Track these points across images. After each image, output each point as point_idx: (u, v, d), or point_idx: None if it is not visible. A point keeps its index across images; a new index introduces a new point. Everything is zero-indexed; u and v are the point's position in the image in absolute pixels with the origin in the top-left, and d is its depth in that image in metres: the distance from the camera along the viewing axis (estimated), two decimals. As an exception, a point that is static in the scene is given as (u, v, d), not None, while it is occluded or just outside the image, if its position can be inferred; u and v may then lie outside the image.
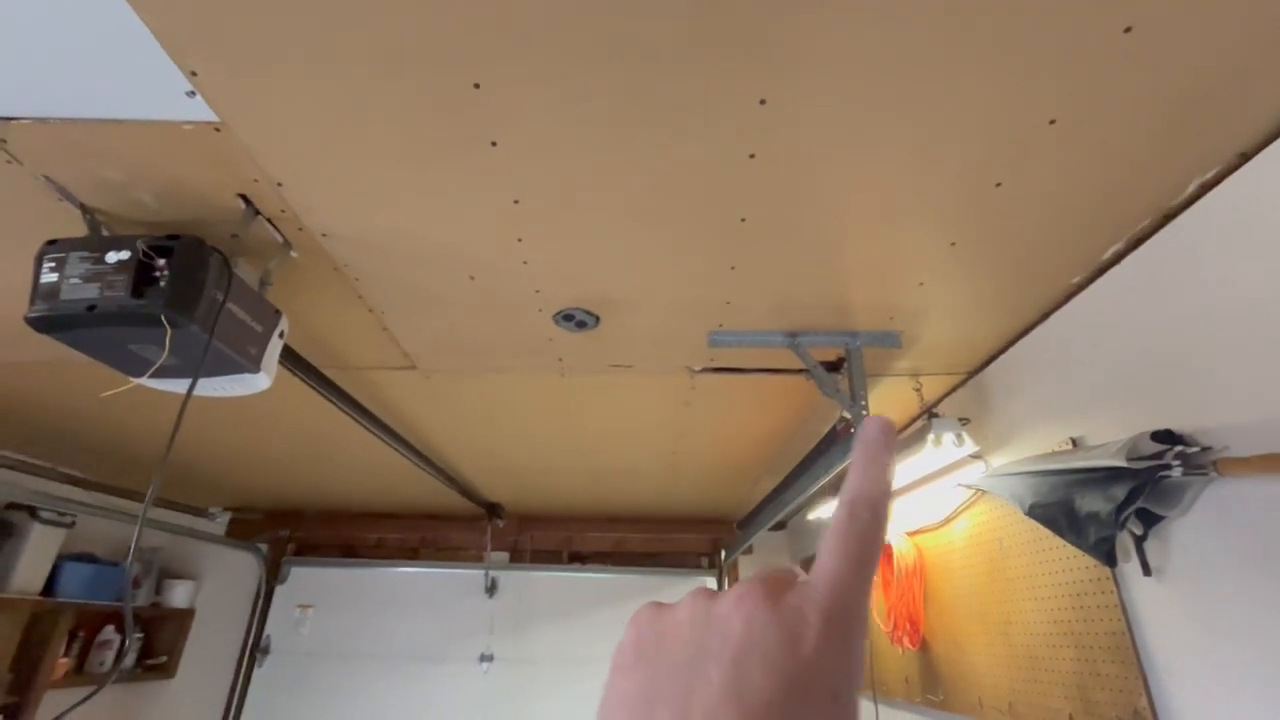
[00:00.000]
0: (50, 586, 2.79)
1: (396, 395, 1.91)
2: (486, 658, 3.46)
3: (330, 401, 1.69)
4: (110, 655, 3.20)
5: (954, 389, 1.80)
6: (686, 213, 1.08)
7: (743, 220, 1.10)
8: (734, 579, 3.68)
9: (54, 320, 0.95)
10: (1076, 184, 1.01)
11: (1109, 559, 1.04)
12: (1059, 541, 1.31)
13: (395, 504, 3.58)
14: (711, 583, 3.63)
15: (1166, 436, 1.01)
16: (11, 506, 2.69)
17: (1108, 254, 1.19)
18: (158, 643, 3.47)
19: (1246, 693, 0.93)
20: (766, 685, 0.21)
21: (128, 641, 1.15)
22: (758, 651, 0.22)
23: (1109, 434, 1.17)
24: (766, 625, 0.22)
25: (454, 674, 3.42)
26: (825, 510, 2.49)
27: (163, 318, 0.94)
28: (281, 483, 3.16)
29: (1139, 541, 1.07)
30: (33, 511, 2.69)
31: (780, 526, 3.78)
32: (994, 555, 1.57)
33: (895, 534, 2.06)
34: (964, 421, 1.57)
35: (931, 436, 1.54)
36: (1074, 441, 1.28)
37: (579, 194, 1.04)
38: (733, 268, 1.24)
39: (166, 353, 0.98)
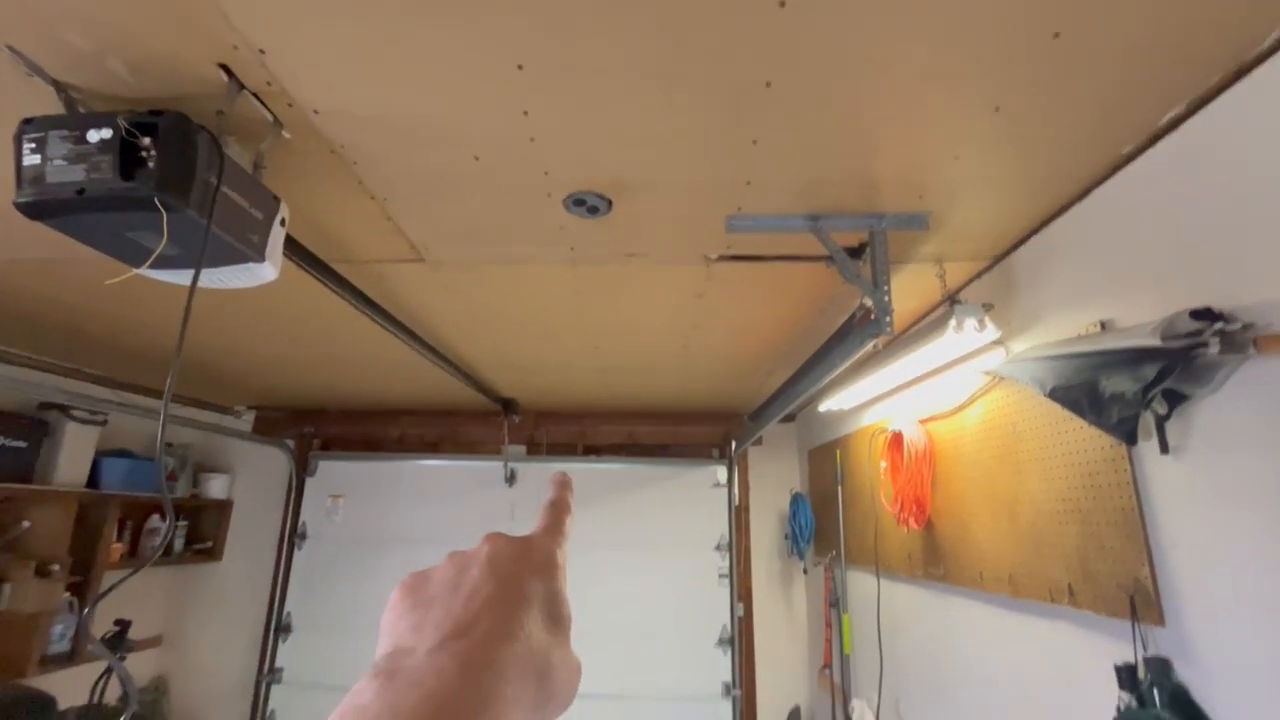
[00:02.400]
0: (94, 480, 2.94)
1: (406, 290, 1.88)
2: (509, 541, 3.67)
3: (340, 296, 1.66)
4: (157, 539, 3.43)
5: (978, 275, 1.74)
6: (706, 76, 0.99)
7: (768, 85, 1.00)
8: (744, 470, 3.81)
9: (44, 205, 0.91)
10: (1146, 31, 0.90)
11: (1130, 437, 1.04)
12: (1075, 424, 1.31)
13: (414, 401, 3.66)
14: (721, 473, 3.77)
15: (1206, 314, 0.97)
16: (45, 406, 2.79)
17: (1164, 119, 1.09)
18: (202, 529, 3.71)
19: (1250, 565, 0.96)
20: (513, 567, 0.30)
21: (170, 523, 1.21)
22: (502, 555, 0.31)
23: (1140, 316, 1.13)
24: (507, 543, 0.32)
25: (480, 555, 3.66)
26: (836, 402, 2.51)
27: (156, 200, 0.89)
28: (302, 382, 3.22)
29: (1161, 421, 1.06)
30: (65, 410, 2.78)
31: (790, 419, 3.86)
32: (1007, 439, 1.58)
33: (908, 421, 2.09)
34: (988, 307, 1.53)
35: (953, 322, 1.50)
36: (1102, 325, 1.24)
37: (588, 55, 0.95)
38: (755, 142, 1.15)
39: (165, 240, 0.95)
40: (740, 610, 3.56)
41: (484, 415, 3.74)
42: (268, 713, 3.47)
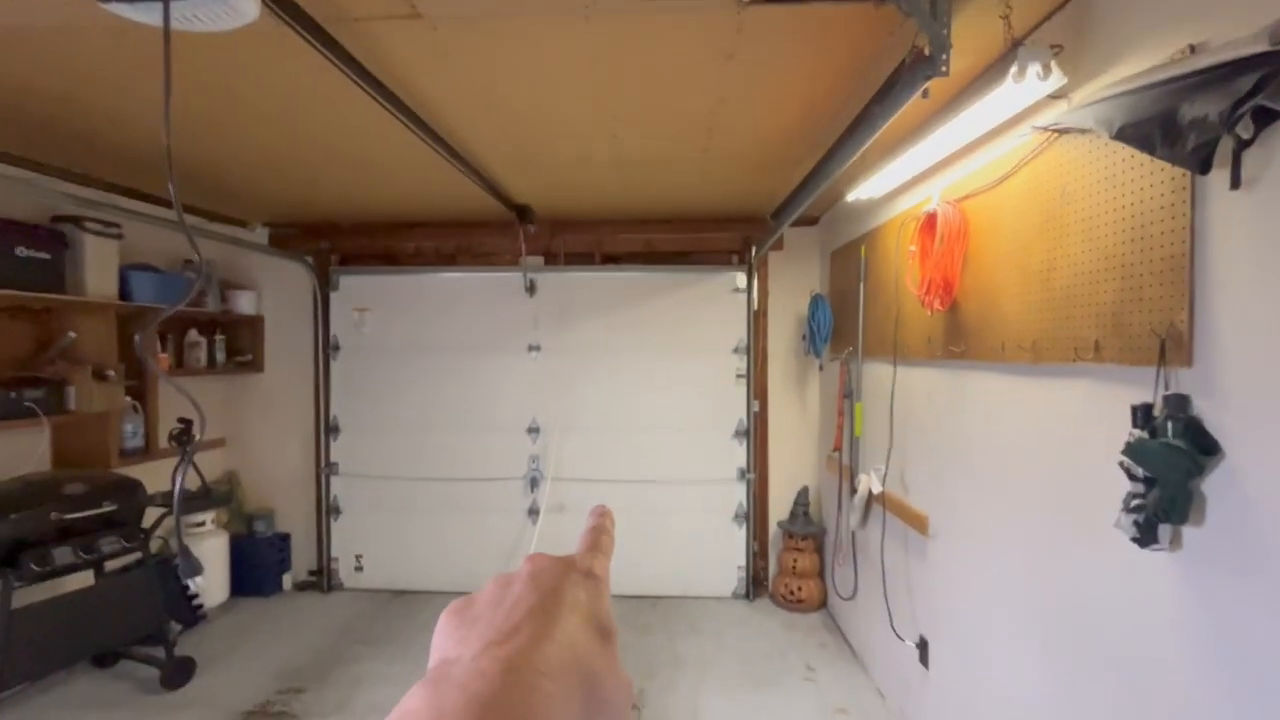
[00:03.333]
0: (125, 294, 2.99)
1: (404, 58, 1.71)
2: (534, 348, 3.81)
3: (332, 62, 1.52)
4: (202, 354, 3.60)
5: (1048, 17, 1.53)
6: None
7: None
8: (763, 275, 3.78)
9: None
10: None
11: (1204, 166, 0.96)
12: (1131, 175, 1.23)
13: (427, 212, 3.57)
14: (741, 279, 3.75)
15: (1329, 8, 0.83)
16: (58, 219, 2.75)
17: None
18: (240, 344, 3.87)
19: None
20: (555, 579, 0.31)
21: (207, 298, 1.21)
22: (543, 570, 0.31)
23: (1240, 32, 0.99)
24: (550, 560, 0.32)
25: (507, 362, 3.82)
26: (866, 189, 2.38)
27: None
28: (311, 191, 3.12)
29: (1240, 149, 0.97)
30: (78, 222, 2.75)
31: (813, 222, 3.73)
32: (1052, 204, 1.50)
33: (941, 203, 1.99)
34: (1056, 50, 1.36)
35: (1014, 69, 1.35)
36: (1192, 49, 1.09)
37: None
38: None
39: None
40: (756, 406, 3.77)
41: (499, 226, 3.66)
42: (331, 498, 3.90)
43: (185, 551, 2.02)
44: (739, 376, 3.77)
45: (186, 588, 3.29)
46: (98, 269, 2.83)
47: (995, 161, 1.75)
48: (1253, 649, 1.01)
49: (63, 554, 2.39)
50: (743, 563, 3.79)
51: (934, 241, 1.98)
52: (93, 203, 2.66)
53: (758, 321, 3.77)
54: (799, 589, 3.55)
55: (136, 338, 1.99)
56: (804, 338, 3.60)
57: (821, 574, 3.62)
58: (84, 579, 2.72)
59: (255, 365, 3.90)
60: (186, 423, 2.99)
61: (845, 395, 3.07)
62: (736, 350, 3.77)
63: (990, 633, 1.83)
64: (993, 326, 1.76)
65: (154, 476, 2.93)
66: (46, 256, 2.62)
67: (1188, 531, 1.12)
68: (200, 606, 3.36)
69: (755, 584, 3.78)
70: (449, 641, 0.28)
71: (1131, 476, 1.16)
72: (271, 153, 2.53)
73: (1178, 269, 1.13)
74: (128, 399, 3.06)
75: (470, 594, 0.31)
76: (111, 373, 2.85)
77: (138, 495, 2.72)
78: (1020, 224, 1.63)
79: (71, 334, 2.82)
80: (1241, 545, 1.03)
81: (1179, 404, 1.11)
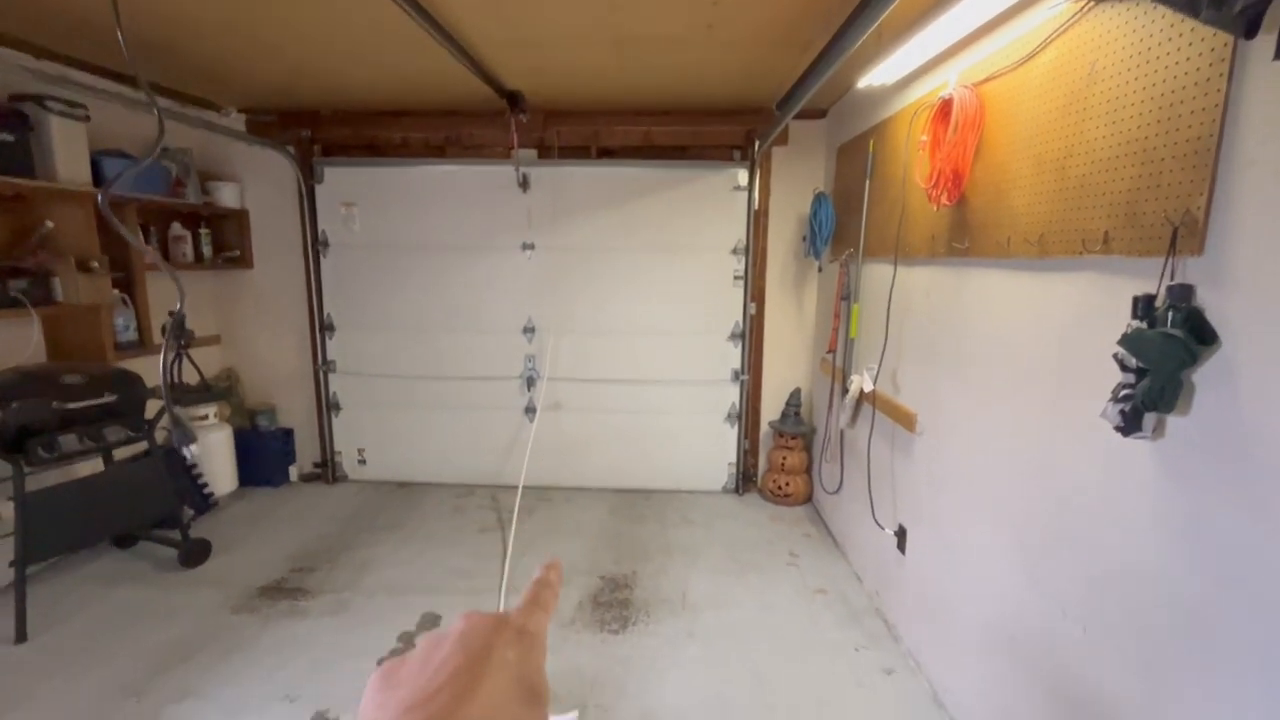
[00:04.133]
0: (99, 182, 2.86)
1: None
2: (528, 246, 3.72)
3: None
4: (188, 248, 3.51)
5: None
6: None
7: None
8: (765, 172, 3.63)
9: None
10: None
11: (1250, 28, 0.88)
12: (1166, 49, 1.14)
13: (414, 99, 3.36)
14: (742, 176, 3.61)
15: None
16: (16, 98, 2.58)
17: None
18: (226, 238, 3.77)
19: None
20: (484, 637, 0.30)
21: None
22: (474, 629, 0.31)
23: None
24: (481, 617, 0.32)
25: (500, 261, 3.74)
26: (880, 73, 2.23)
27: None
28: (285, 73, 2.91)
29: (1292, 10, 0.89)
30: (39, 101, 2.58)
31: (820, 115, 3.54)
32: (1077, 85, 1.40)
33: (957, 87, 1.87)
34: (1102, -100, 1.21)
35: (1053, -78, 1.21)
36: (1257, -106, 0.97)
37: None
38: None
39: None
40: (753, 309, 3.74)
41: (490, 116, 3.46)
42: (330, 394, 3.96)
43: (177, 420, 2.07)
44: (736, 278, 3.72)
45: (198, 476, 3.41)
46: (67, 153, 2.69)
47: (1020, 39, 1.63)
48: (1223, 533, 1.06)
49: (69, 441, 2.44)
50: (734, 460, 3.91)
51: (947, 130, 1.88)
52: (52, 78, 2.48)
53: (758, 221, 3.66)
54: (787, 484, 3.70)
55: (99, 196, 1.91)
56: (804, 239, 3.52)
57: (809, 471, 3.76)
58: (94, 467, 2.81)
59: (244, 261, 3.82)
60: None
61: (843, 297, 3.04)
62: (735, 251, 3.70)
63: (966, 521, 1.92)
64: (999, 221, 1.71)
65: (152, 372, 2.94)
66: (10, 138, 2.48)
67: (1172, 420, 1.14)
68: (211, 494, 3.49)
69: (745, 480, 3.93)
70: (370, 706, 0.28)
71: (1124, 367, 1.16)
72: (236, 25, 2.33)
73: (1203, 151, 1.07)
74: (116, 292, 3.01)
75: (400, 656, 0.31)
76: (95, 264, 2.79)
77: (137, 388, 2.74)
78: (1040, 108, 1.54)
79: (49, 223, 2.72)
80: (1224, 434, 1.05)
81: (1182, 294, 1.09)
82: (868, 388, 2.47)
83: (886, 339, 2.45)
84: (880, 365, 2.50)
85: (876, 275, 2.70)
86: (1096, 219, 1.33)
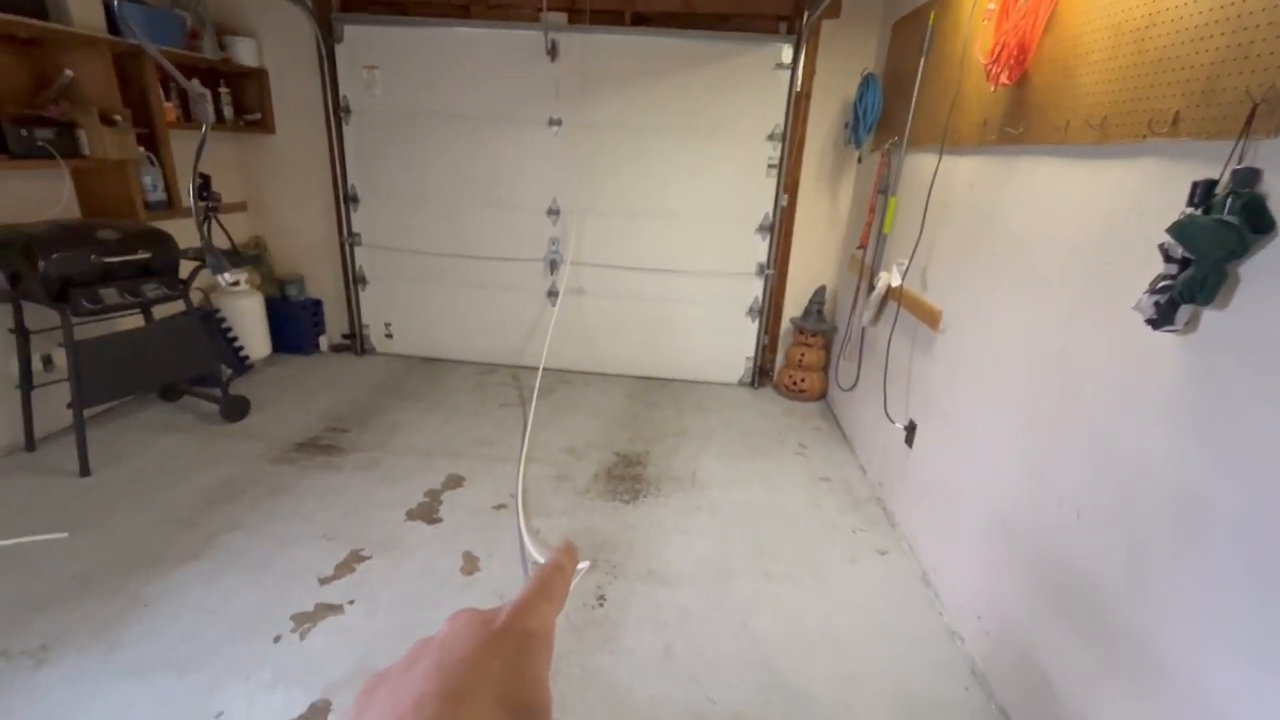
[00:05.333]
0: (115, 30, 2.76)
1: None
2: (555, 121, 3.57)
3: None
4: (208, 108, 3.43)
5: None
6: None
7: None
8: (812, 49, 3.36)
9: None
10: None
11: None
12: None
13: (432, -54, 3.10)
14: (787, 52, 3.35)
15: None
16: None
17: None
18: (247, 100, 3.66)
19: None
20: (466, 646, 0.27)
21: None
22: (458, 635, 0.27)
23: None
24: (469, 619, 0.29)
25: (526, 136, 3.61)
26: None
27: None
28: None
29: None
30: (43, -68, 2.44)
31: (879, -17, 3.21)
32: (1176, -61, 1.24)
33: (1040, -54, 1.67)
34: None
35: None
36: None
37: None
38: None
39: None
40: (784, 201, 3.61)
41: (516, -31, 3.20)
42: (357, 268, 4.00)
43: (212, 248, 2.15)
44: (770, 167, 3.56)
45: (233, 339, 3.55)
46: (79, -5, 2.58)
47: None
48: (1244, 429, 1.06)
49: (109, 294, 2.53)
50: (751, 354, 3.95)
51: (1018, -3, 1.70)
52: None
53: (798, 105, 3.44)
54: (802, 380, 3.74)
55: (148, 47, 1.86)
56: (846, 125, 3.32)
57: (825, 369, 3.79)
58: (135, 323, 2.93)
59: (266, 125, 3.73)
60: (205, 177, 2.96)
61: (880, 190, 2.91)
62: (771, 137, 3.51)
63: (978, 415, 1.95)
64: (1060, 103, 1.59)
65: (182, 233, 2.98)
66: (20, -25, 2.38)
67: (1207, 314, 1.11)
68: (246, 357, 3.65)
69: (761, 374, 3.98)
70: (365, 707, 0.25)
71: (1168, 258, 1.12)
72: None
73: (1305, 15, 0.96)
74: (142, 150, 2.98)
75: (384, 669, 0.27)
76: (119, 117, 2.75)
77: (170, 246, 2.79)
78: (1129, -31, 1.38)
79: (68, 72, 2.66)
80: (1263, 329, 1.02)
81: (1247, 178, 1.02)
82: (896, 282, 2.43)
83: (921, 234, 2.37)
84: (911, 261, 2.44)
85: (919, 166, 2.57)
86: (1169, 98, 1.22)
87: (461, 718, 0.23)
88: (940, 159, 2.28)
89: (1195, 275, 1.04)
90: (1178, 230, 1.07)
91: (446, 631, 0.28)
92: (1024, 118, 1.75)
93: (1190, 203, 1.10)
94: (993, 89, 1.87)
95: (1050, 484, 1.55)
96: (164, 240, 2.77)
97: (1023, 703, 1.60)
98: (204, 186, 2.91)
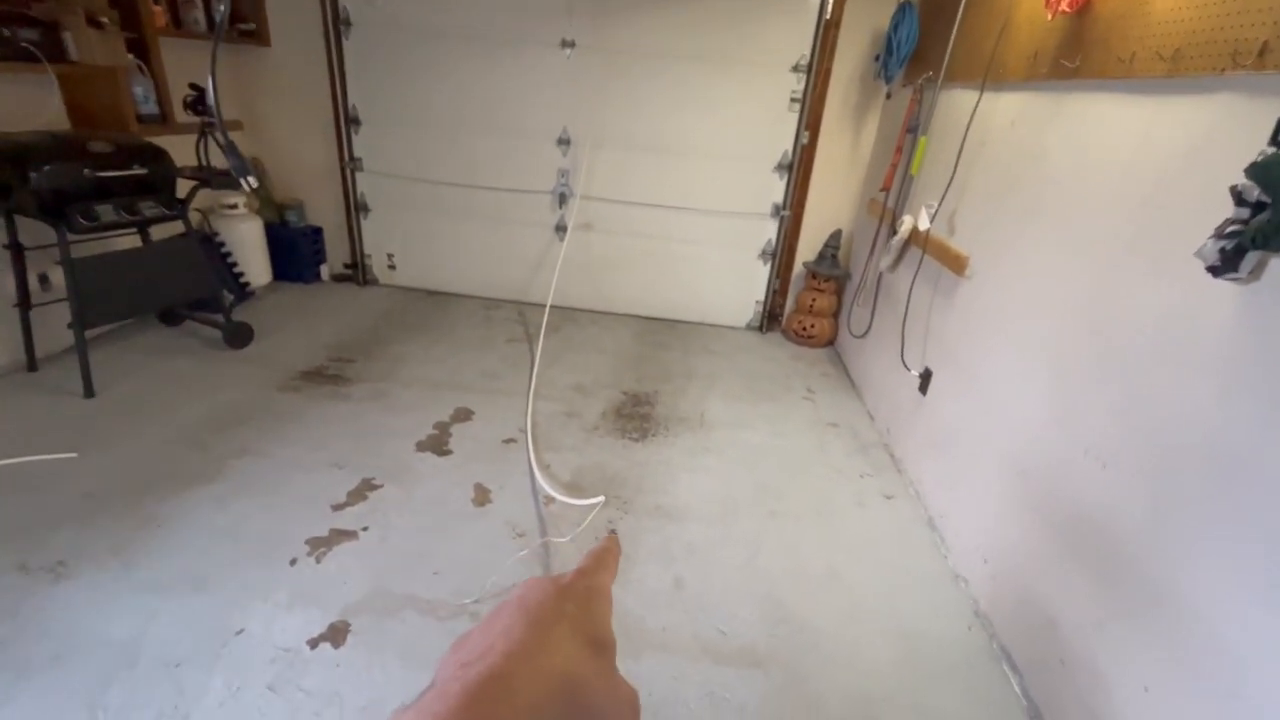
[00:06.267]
0: (95, -82, 2.54)
1: None
2: (568, 43, 3.37)
3: None
4: (199, 14, 3.22)
5: None
6: None
7: None
8: (845, -28, 3.14)
9: None
10: None
11: None
12: None
13: None
14: (818, -26, 3.13)
15: None
16: None
17: None
18: (239, 7, 3.44)
19: None
20: (543, 593, 0.30)
21: None
22: (532, 589, 0.31)
23: None
24: (539, 580, 0.32)
25: (537, 58, 3.42)
26: None
27: None
28: None
29: None
30: None
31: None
32: None
33: None
34: None
35: None
36: None
37: None
38: None
39: None
40: (805, 138, 3.47)
41: None
42: (358, 195, 3.87)
43: (233, 149, 2.10)
44: (793, 100, 3.40)
45: (233, 264, 3.46)
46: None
47: None
48: (1287, 376, 1.03)
49: (106, 211, 2.43)
50: (761, 297, 3.89)
51: (1090, -89, 1.56)
52: None
53: (826, 34, 3.25)
54: (812, 326, 3.70)
55: None
56: (877, 58, 3.15)
57: (836, 315, 3.74)
58: (133, 242, 2.83)
59: (261, 38, 3.52)
60: (199, 89, 2.80)
61: (909, 129, 2.78)
62: (796, 68, 3.33)
63: (1001, 364, 1.92)
64: (1128, 32, 1.48)
65: (177, 149, 2.84)
66: None
67: (1275, 262, 1.06)
68: (247, 283, 3.57)
69: (770, 318, 3.93)
70: (439, 672, 0.27)
71: (1240, 201, 1.06)
72: None
73: None
74: (131, 57, 2.81)
75: (469, 630, 0.30)
76: (105, 20, 2.57)
77: (165, 163, 2.66)
78: (1224, -122, 1.25)
79: (47, -36, 2.47)
80: (1329, 277, 0.98)
81: (1341, 115, 0.95)
82: (924, 225, 2.35)
83: (953, 176, 2.28)
84: (940, 204, 2.35)
85: (955, 103, 2.44)
86: (1256, 27, 1.13)
87: (547, 640, 0.27)
88: (981, 95, 2.16)
89: (1273, 219, 0.98)
90: (1259, 171, 1.01)
91: (520, 590, 0.31)
92: (1082, 49, 1.64)
93: (1272, 141, 1.03)
94: (1050, 18, 1.74)
95: (1076, 435, 1.53)
96: (159, 156, 2.64)
97: (1025, 644, 1.65)
98: (199, 100, 2.75)
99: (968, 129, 2.20)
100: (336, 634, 1.61)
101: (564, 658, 0.27)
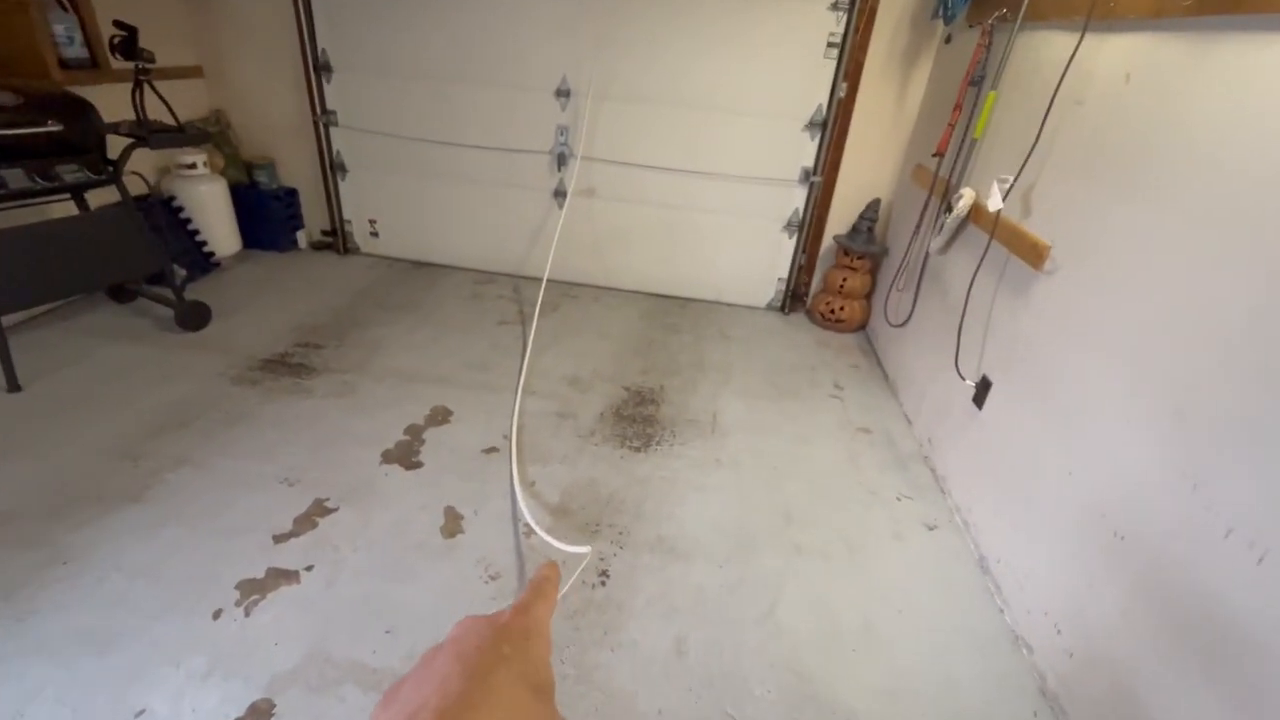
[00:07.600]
0: None
1: None
2: (567, -26, 2.87)
3: None
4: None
5: None
6: None
7: None
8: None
9: None
10: None
11: None
12: None
13: None
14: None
15: None
16: None
17: None
18: (187, -70, 2.97)
19: None
20: (480, 637, 0.29)
21: None
22: (467, 634, 0.29)
23: None
24: (474, 620, 0.31)
25: (531, -7, 2.93)
26: None
27: None
28: None
29: None
30: None
31: None
32: None
33: None
34: None
35: None
36: None
37: None
38: None
39: None
40: (842, 91, 2.98)
41: None
42: (334, 152, 3.45)
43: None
44: (830, 46, 2.90)
45: (194, 232, 3.10)
46: None
47: None
48: None
49: (14, 176, 2.06)
50: (784, 275, 3.46)
51: None
52: None
53: (874, -37, 2.73)
54: (841, 309, 3.29)
55: None
56: (935, -8, 2.63)
57: (869, 297, 3.32)
58: (67, 211, 2.47)
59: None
60: (128, 28, 2.37)
61: (974, 81, 2.30)
62: (835, 6, 2.82)
63: (1091, 388, 1.52)
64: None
65: (110, 102, 2.45)
66: None
67: None
68: (212, 254, 3.21)
69: (794, 298, 3.52)
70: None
71: None
72: None
73: None
74: (50, -12, 2.39)
75: (401, 677, 0.28)
76: (6, -60, 2.15)
77: (90, 117, 2.27)
78: None
79: None
80: None
81: None
82: (996, 205, 1.91)
83: (1036, 142, 1.82)
84: (1016, 178, 1.91)
85: (1040, 47, 1.96)
86: None
87: (487, 690, 0.26)
88: (1082, 36, 1.69)
89: None
90: None
91: (456, 632, 0.30)
92: (1255, -30, 1.18)
93: None
94: (1204, -75, 1.27)
95: (1214, 506, 1.15)
96: (82, 109, 2.25)
97: (1114, 750, 1.31)
98: (127, 40, 2.33)
99: (1060, 83, 1.74)
100: (257, 717, 1.31)
101: (504, 711, 0.26)
